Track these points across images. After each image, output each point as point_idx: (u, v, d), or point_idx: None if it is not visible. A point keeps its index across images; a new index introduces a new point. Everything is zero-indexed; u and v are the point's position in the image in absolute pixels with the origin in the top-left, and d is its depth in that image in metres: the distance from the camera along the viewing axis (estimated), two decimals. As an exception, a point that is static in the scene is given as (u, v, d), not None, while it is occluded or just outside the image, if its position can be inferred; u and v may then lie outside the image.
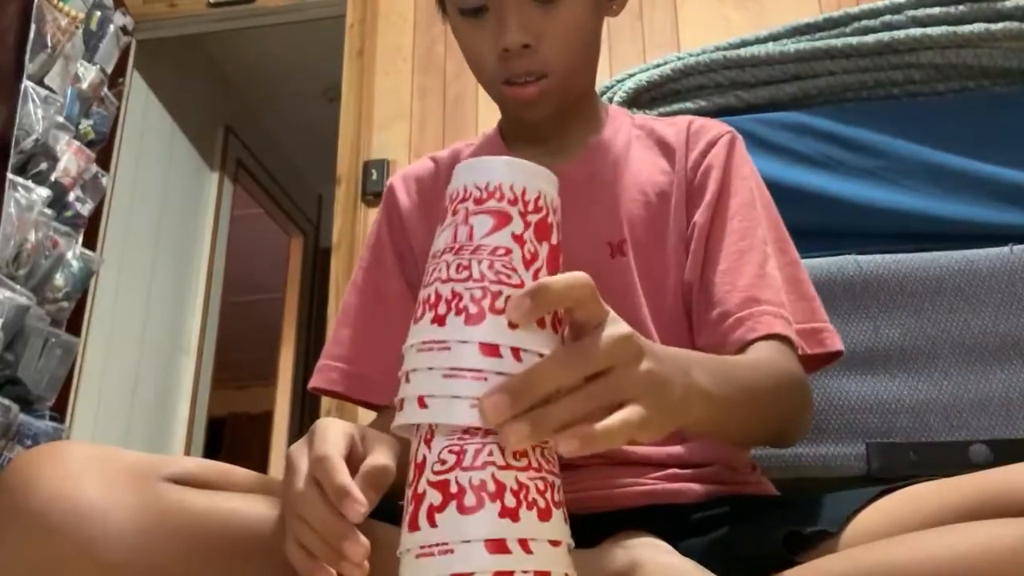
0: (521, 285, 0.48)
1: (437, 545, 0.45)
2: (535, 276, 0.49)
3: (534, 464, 0.47)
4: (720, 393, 0.60)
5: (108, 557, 0.51)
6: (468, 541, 0.44)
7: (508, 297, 0.47)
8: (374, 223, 0.96)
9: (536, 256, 0.50)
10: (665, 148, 0.90)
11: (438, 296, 0.49)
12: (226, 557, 0.55)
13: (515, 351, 0.47)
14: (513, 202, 0.50)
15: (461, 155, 0.96)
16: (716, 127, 0.91)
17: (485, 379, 0.46)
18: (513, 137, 0.94)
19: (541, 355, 0.47)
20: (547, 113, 0.85)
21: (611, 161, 0.89)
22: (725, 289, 0.80)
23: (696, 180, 0.87)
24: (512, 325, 0.47)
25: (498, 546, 0.44)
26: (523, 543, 0.45)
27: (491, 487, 0.46)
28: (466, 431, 0.47)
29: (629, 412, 0.47)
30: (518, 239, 0.49)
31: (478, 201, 0.50)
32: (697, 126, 0.91)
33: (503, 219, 0.50)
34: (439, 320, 0.48)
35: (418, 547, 0.46)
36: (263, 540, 0.56)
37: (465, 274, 0.48)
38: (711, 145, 0.88)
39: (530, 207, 0.51)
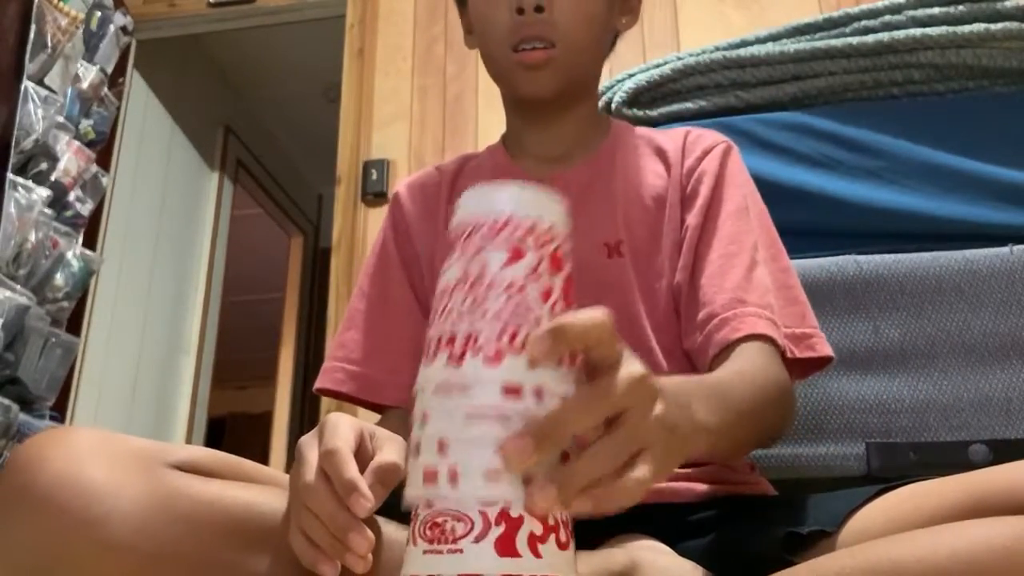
0: (539, 321, 0.46)
1: (447, 543, 0.45)
2: (552, 310, 0.48)
3: None
4: (719, 423, 0.60)
5: (112, 538, 0.51)
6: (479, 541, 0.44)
7: (527, 335, 0.46)
8: (380, 231, 0.98)
9: (551, 290, 0.48)
10: (662, 155, 0.92)
11: (452, 335, 0.47)
12: (229, 544, 0.56)
13: (537, 391, 0.45)
14: (526, 234, 0.48)
15: (467, 165, 0.98)
16: (712, 137, 0.93)
17: (508, 419, 0.45)
18: (517, 147, 0.96)
19: (564, 397, 0.46)
20: (551, 89, 0.87)
21: (611, 167, 0.91)
22: (712, 291, 0.81)
23: (690, 186, 0.88)
24: (532, 363, 0.46)
25: (507, 548, 0.44)
26: (532, 546, 0.45)
27: None
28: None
29: (642, 470, 0.46)
30: (533, 273, 0.48)
31: (489, 234, 0.48)
32: (694, 136, 0.93)
33: (517, 252, 0.48)
34: (456, 359, 0.46)
35: (427, 544, 0.46)
36: (267, 529, 0.57)
37: (481, 311, 0.46)
38: (706, 153, 0.90)
39: (542, 238, 0.49)
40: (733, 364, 0.75)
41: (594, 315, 0.46)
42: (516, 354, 0.46)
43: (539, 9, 0.84)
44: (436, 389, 0.47)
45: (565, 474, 0.44)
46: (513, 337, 0.46)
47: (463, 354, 0.46)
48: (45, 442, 0.54)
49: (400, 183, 1.01)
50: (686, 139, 0.93)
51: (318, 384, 0.90)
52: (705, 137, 0.93)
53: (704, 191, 0.87)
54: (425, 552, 0.45)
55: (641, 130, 0.98)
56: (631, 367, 0.47)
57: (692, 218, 0.86)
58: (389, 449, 0.57)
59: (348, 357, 0.89)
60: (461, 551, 0.44)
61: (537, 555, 0.44)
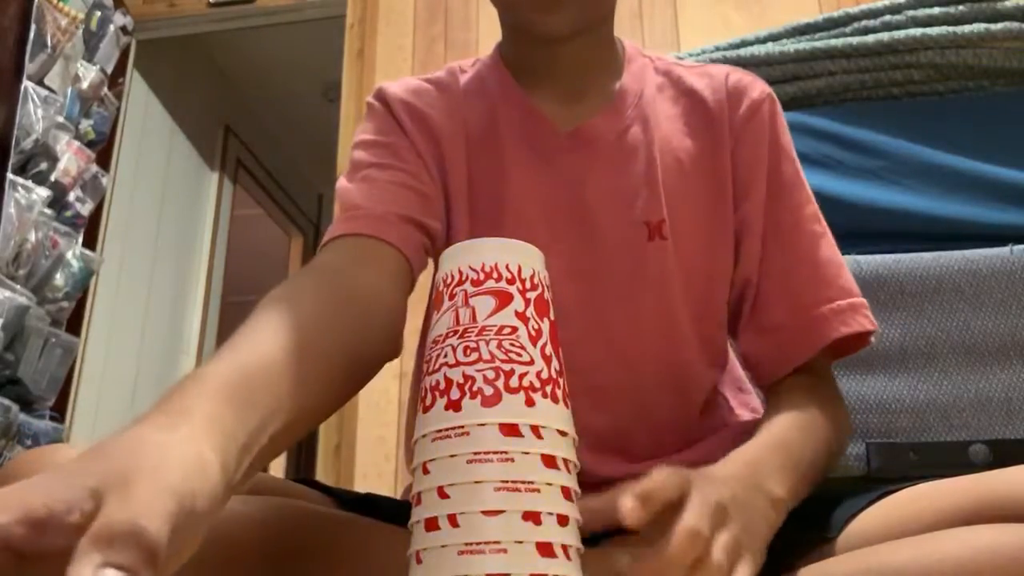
0: (531, 362, 0.48)
1: (488, 543, 0.45)
2: (543, 352, 0.49)
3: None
4: (793, 491, 0.60)
5: None
6: (521, 542, 0.45)
7: (522, 375, 0.48)
8: (366, 123, 0.85)
9: (540, 332, 0.50)
10: (698, 106, 0.81)
11: (448, 381, 0.48)
12: (214, 560, 0.55)
13: (535, 429, 0.47)
14: (511, 281, 0.50)
15: (458, 77, 0.86)
16: (757, 86, 0.82)
17: (512, 460, 0.46)
18: (524, 74, 0.83)
19: (559, 431, 0.48)
20: (569, 27, 0.75)
21: (639, 116, 0.80)
22: (776, 297, 0.77)
23: (740, 150, 0.79)
24: (529, 402, 0.47)
25: (547, 549, 0.45)
26: (564, 548, 0.46)
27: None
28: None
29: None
30: (521, 316, 0.49)
31: (476, 283, 0.50)
32: (735, 81, 0.82)
33: (505, 298, 0.50)
34: (453, 405, 0.47)
35: (462, 543, 0.45)
36: (254, 542, 0.57)
37: (474, 356, 0.48)
38: (754, 111, 0.80)
39: (527, 284, 0.51)
40: (801, 410, 0.69)
41: (674, 477, 0.48)
42: (512, 394, 0.47)
43: None
44: (435, 436, 0.47)
45: None
46: (508, 377, 0.47)
47: (460, 398, 0.47)
48: (32, 460, 0.54)
49: (384, 85, 0.85)
50: (727, 86, 0.81)
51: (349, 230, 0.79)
52: (749, 86, 0.81)
53: (760, 168, 0.79)
54: (461, 552, 0.45)
55: (662, 62, 0.85)
56: (703, 497, 0.48)
57: (751, 202, 0.78)
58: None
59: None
60: (506, 551, 0.44)
61: (568, 558, 0.46)
